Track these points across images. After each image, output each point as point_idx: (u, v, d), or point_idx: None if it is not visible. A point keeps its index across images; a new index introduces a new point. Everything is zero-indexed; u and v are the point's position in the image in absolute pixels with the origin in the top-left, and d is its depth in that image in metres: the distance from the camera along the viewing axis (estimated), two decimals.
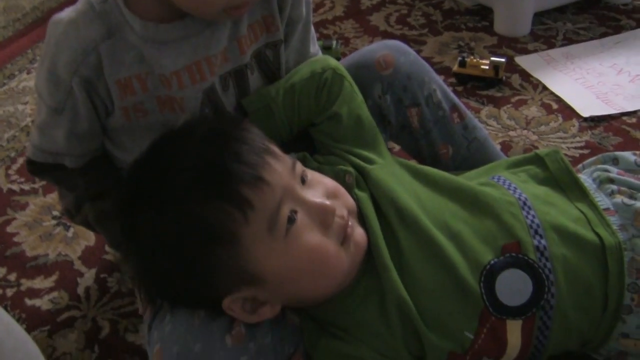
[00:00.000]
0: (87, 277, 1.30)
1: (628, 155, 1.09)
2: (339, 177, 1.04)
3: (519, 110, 1.64)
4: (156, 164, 0.95)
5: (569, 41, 1.89)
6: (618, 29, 1.92)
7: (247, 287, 0.93)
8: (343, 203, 0.99)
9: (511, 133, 1.57)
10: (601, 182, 1.06)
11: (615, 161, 1.10)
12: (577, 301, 0.97)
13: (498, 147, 1.45)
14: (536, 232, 0.99)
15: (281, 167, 0.94)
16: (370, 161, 1.07)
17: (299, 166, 0.98)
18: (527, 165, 1.11)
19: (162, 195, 0.92)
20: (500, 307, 0.96)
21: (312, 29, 1.21)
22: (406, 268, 0.97)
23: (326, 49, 1.80)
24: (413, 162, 1.13)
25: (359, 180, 1.05)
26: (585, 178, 1.08)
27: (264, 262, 0.92)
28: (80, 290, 1.28)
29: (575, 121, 1.60)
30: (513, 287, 0.96)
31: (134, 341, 1.18)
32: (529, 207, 1.01)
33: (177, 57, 1.03)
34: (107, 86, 1.03)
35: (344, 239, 0.96)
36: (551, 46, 1.88)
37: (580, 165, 1.15)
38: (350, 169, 1.05)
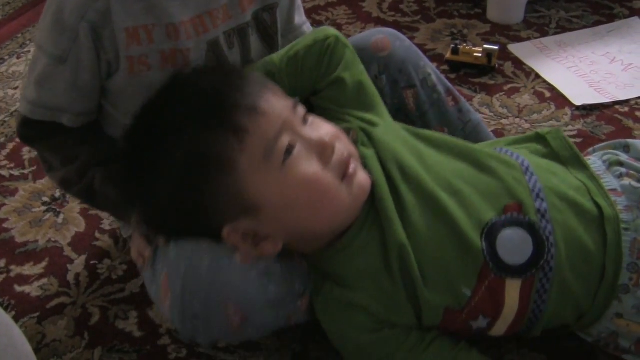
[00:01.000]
0: (77, 264, 1.30)
1: (639, 143, 1.11)
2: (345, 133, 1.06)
3: (511, 98, 1.64)
4: (159, 100, 0.99)
5: (562, 29, 1.89)
6: (611, 18, 1.92)
7: (246, 217, 0.95)
8: (344, 145, 1.00)
9: (504, 121, 1.56)
10: (610, 164, 1.07)
11: (626, 148, 1.11)
12: (575, 266, 0.98)
13: (491, 134, 1.45)
14: (538, 195, 1.00)
15: (281, 103, 0.98)
16: (373, 124, 1.09)
17: (301, 108, 1.00)
18: (528, 143, 1.13)
19: (161, 125, 0.96)
20: (501, 264, 0.97)
21: (299, 1, 1.24)
22: (408, 223, 0.99)
23: None
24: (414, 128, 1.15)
25: (364, 139, 1.06)
26: (594, 160, 1.10)
27: (261, 190, 0.94)
28: (70, 277, 1.27)
29: (567, 110, 1.59)
30: (514, 245, 0.97)
31: (124, 328, 1.17)
32: (532, 173, 1.03)
33: (183, 9, 1.06)
34: (113, 35, 1.04)
35: (345, 176, 0.97)
36: (544, 34, 1.87)
37: (590, 149, 1.17)
38: (355, 126, 1.08)
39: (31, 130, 1.13)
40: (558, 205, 1.00)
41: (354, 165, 0.98)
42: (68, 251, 1.32)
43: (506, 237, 0.98)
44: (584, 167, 1.07)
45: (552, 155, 1.10)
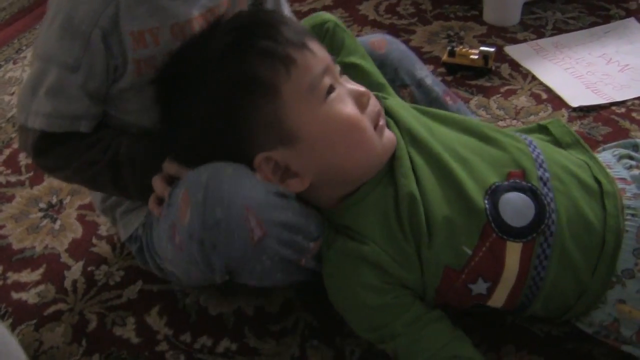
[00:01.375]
0: (74, 270, 1.29)
1: None
2: None
3: (508, 100, 1.64)
4: (203, 35, 1.04)
5: (558, 31, 1.89)
6: (607, 19, 1.92)
7: (283, 146, 0.99)
8: (376, 102, 1.06)
9: (500, 123, 1.56)
10: (621, 157, 1.10)
11: (635, 147, 1.14)
12: (575, 235, 1.00)
13: None
14: (541, 165, 1.04)
15: (325, 52, 1.04)
16: (385, 98, 1.14)
17: (337, 66, 1.06)
18: (531, 133, 1.16)
19: (209, 51, 1.00)
20: (503, 225, 0.99)
21: None
22: (417, 181, 1.02)
23: None
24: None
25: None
26: (605, 154, 1.13)
27: (302, 120, 0.98)
28: (67, 284, 1.27)
29: (564, 111, 1.59)
30: (516, 207, 1.00)
31: (121, 335, 1.17)
32: (535, 146, 1.07)
33: (189, 8, 1.07)
34: (120, 39, 1.04)
35: (377, 126, 1.03)
36: (540, 36, 1.87)
37: (600, 148, 1.20)
38: (381, 98, 1.12)
39: (45, 142, 1.11)
40: (560, 175, 1.03)
41: (384, 121, 1.05)
42: (65, 257, 1.32)
43: (509, 200, 1.01)
44: (585, 150, 1.10)
45: (555, 142, 1.14)
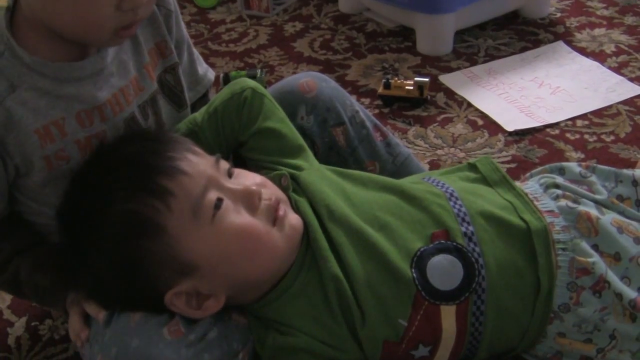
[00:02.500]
0: (18, 326, 1.27)
1: (574, 166, 1.14)
2: (275, 181, 1.07)
3: (445, 129, 1.66)
4: (84, 175, 1.00)
5: (490, 57, 1.93)
6: (537, 43, 1.97)
7: (185, 278, 0.96)
8: (271, 192, 1.02)
9: (439, 151, 1.58)
10: (547, 187, 1.10)
11: (561, 171, 1.14)
12: (508, 284, 1.00)
13: (427, 166, 1.47)
14: (463, 219, 1.03)
15: (202, 161, 0.99)
16: (299, 168, 1.11)
17: (224, 163, 1.02)
18: (459, 172, 1.16)
19: (89, 200, 0.97)
20: (433, 291, 0.99)
21: (195, 50, 1.25)
22: (340, 260, 1.00)
23: (251, 78, 1.79)
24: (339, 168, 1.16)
25: (294, 185, 1.08)
26: (531, 184, 1.12)
27: (195, 249, 0.95)
28: (11, 341, 1.24)
29: (500, 136, 1.62)
30: (444, 271, 0.99)
31: None
32: (456, 198, 1.06)
33: (97, 91, 1.04)
34: (20, 140, 1.00)
35: (275, 219, 0.99)
36: (474, 63, 1.91)
37: (528, 174, 1.20)
38: (285, 172, 1.09)
39: None
40: (484, 225, 1.03)
41: (284, 208, 1.01)
42: (7, 314, 1.29)
43: (436, 264, 1.00)
44: (511, 187, 1.10)
45: (482, 180, 1.13)
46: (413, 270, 0.99)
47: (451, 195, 1.06)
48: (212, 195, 0.96)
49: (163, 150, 0.98)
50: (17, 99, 0.99)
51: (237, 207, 0.97)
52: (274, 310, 1.01)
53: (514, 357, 1.09)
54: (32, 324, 1.27)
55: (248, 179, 1.02)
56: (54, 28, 0.98)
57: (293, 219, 1.01)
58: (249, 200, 0.98)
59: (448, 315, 0.99)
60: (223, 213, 0.96)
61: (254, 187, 0.99)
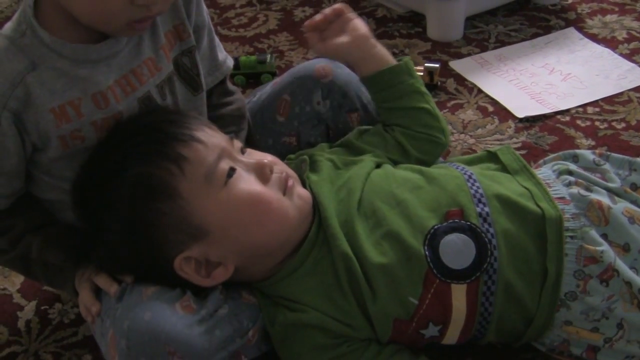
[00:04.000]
0: (27, 310, 1.27)
1: (588, 153, 1.14)
2: (297, 167, 1.12)
3: (455, 115, 1.65)
4: (103, 146, 1.04)
5: (501, 43, 1.92)
6: (548, 29, 1.95)
7: (196, 242, 0.98)
8: (282, 167, 1.06)
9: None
10: (560, 173, 1.10)
11: (575, 158, 1.14)
12: (518, 268, 1.01)
13: None
14: (479, 200, 1.04)
15: (217, 135, 1.04)
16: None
17: (237, 142, 1.06)
18: (480, 163, 1.17)
19: (107, 167, 1.00)
20: (445, 270, 0.99)
21: (215, 36, 1.25)
22: (354, 238, 1.02)
23: (261, 63, 1.80)
24: None
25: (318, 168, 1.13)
26: (545, 170, 1.13)
27: (206, 213, 0.98)
28: (21, 324, 1.25)
29: (511, 122, 1.61)
30: (456, 250, 1.00)
31: None
32: (474, 180, 1.07)
33: (109, 73, 1.05)
34: (36, 118, 1.02)
35: (285, 189, 1.03)
36: (484, 49, 1.90)
37: (541, 161, 1.21)
38: (305, 156, 1.14)
39: None
40: (499, 208, 1.03)
41: (292, 181, 1.05)
42: (17, 298, 1.30)
43: (449, 243, 1.01)
44: (531, 175, 1.10)
45: (502, 169, 1.14)
46: (426, 248, 1.00)
47: (469, 177, 1.07)
48: (225, 164, 1.00)
49: (181, 121, 1.03)
50: (37, 78, 1.01)
51: (249, 177, 1.01)
52: (285, 288, 1.03)
53: (522, 345, 1.09)
54: (42, 307, 1.28)
55: (261, 155, 1.06)
56: (72, 12, 0.99)
57: (302, 191, 1.06)
58: (261, 171, 1.02)
59: (459, 294, 1.00)
60: (235, 180, 1.00)
61: (266, 161, 1.04)
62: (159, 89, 1.12)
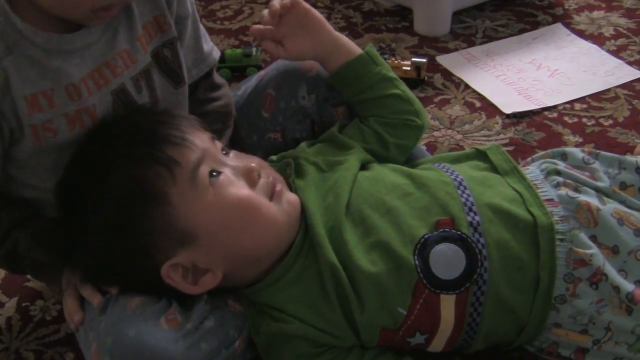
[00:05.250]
0: (8, 307, 1.25)
1: (577, 151, 1.13)
2: (282, 170, 1.10)
3: (442, 110, 1.64)
4: (88, 146, 1.01)
5: (488, 38, 1.91)
6: (535, 25, 1.95)
7: (183, 248, 0.97)
8: (269, 172, 1.05)
9: (436, 133, 1.57)
10: (548, 173, 1.09)
11: (564, 156, 1.13)
12: (509, 278, 0.99)
13: (424, 148, 1.46)
14: (470, 209, 1.02)
15: (200, 135, 1.02)
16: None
17: (219, 143, 1.05)
18: (469, 161, 1.16)
19: (94, 165, 0.98)
20: (434, 280, 0.98)
21: (201, 26, 1.22)
22: (342, 245, 1.00)
23: (246, 56, 1.78)
24: None
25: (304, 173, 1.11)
26: (533, 169, 1.11)
27: (194, 217, 0.96)
28: (2, 321, 1.23)
29: (498, 118, 1.61)
30: (447, 260, 0.99)
31: None
32: (465, 187, 1.05)
33: (81, 65, 1.03)
34: (13, 104, 1.00)
35: (273, 195, 1.01)
36: (471, 44, 1.89)
37: (529, 159, 1.19)
38: (290, 159, 1.12)
39: None
40: (491, 217, 1.02)
41: (280, 187, 1.03)
42: None
43: (439, 253, 0.99)
44: (521, 178, 1.08)
45: (491, 169, 1.12)
46: (416, 257, 0.98)
47: (460, 184, 1.05)
48: (207, 166, 0.98)
49: (170, 122, 1.01)
50: (12, 63, 0.99)
51: (236, 180, 1.00)
52: (269, 295, 1.01)
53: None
54: (23, 304, 1.26)
55: (246, 159, 1.04)
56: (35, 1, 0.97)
57: (290, 196, 1.04)
58: (248, 175, 1.01)
59: (447, 304, 0.98)
60: (222, 183, 0.98)
61: (252, 164, 1.02)
62: (134, 82, 1.09)
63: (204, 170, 0.97)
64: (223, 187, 0.98)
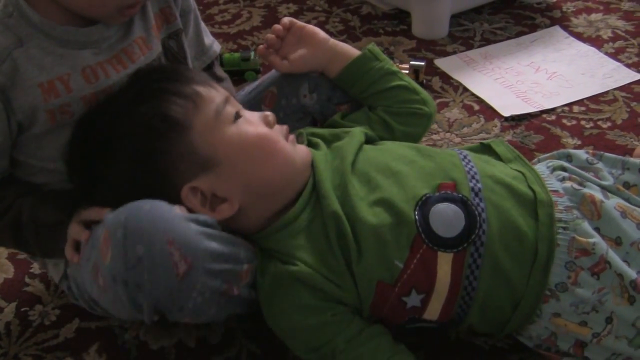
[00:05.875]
0: (7, 312, 1.25)
1: (581, 153, 1.14)
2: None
3: (441, 113, 1.64)
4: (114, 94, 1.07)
5: (486, 41, 1.91)
6: (533, 27, 1.95)
7: (204, 173, 1.01)
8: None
9: (434, 136, 1.57)
10: (554, 169, 1.10)
11: (569, 158, 1.14)
12: (507, 244, 1.01)
13: None
14: (473, 177, 1.05)
15: (222, 89, 1.09)
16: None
17: (235, 101, 1.11)
18: (474, 153, 1.17)
19: (120, 101, 1.03)
20: (433, 236, 1.00)
21: (202, 21, 1.27)
22: (347, 197, 1.03)
23: (244, 60, 1.78)
24: None
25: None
26: (539, 166, 1.13)
27: (217, 144, 1.02)
28: (0, 327, 1.23)
29: (497, 121, 1.61)
30: (446, 218, 1.01)
31: None
32: (469, 160, 1.09)
33: (99, 54, 1.07)
34: (23, 95, 1.02)
35: (287, 139, 1.08)
36: (469, 47, 1.89)
37: (535, 159, 1.20)
38: (302, 131, 1.18)
39: None
40: (492, 186, 1.04)
41: (293, 137, 1.10)
42: None
43: (439, 211, 1.01)
44: (524, 163, 1.11)
45: (496, 159, 1.15)
46: (416, 213, 1.01)
47: (464, 157, 1.10)
48: (231, 107, 1.06)
49: (196, 72, 1.11)
50: (24, 53, 1.02)
51: (256, 120, 1.07)
52: (277, 240, 1.04)
53: (508, 338, 1.09)
54: (22, 309, 1.25)
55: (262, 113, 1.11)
56: (62, 1, 1.01)
57: (301, 146, 1.11)
58: (265, 118, 1.08)
59: (444, 262, 1.00)
60: (243, 120, 1.06)
61: (268, 113, 1.09)
62: None
63: (230, 110, 1.05)
64: (245, 124, 1.05)
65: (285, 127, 1.10)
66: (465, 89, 1.72)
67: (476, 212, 1.01)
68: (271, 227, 1.05)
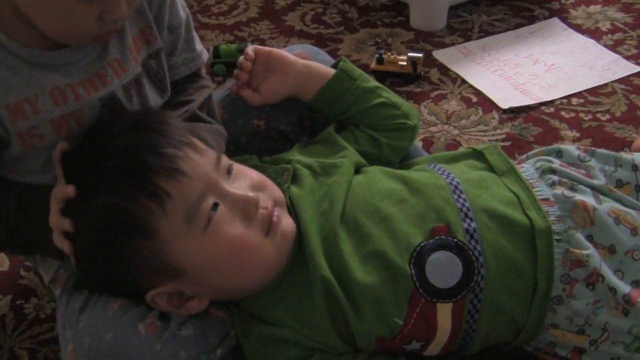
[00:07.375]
0: (2, 305, 1.24)
1: (572, 149, 1.12)
2: (278, 175, 1.06)
3: (439, 105, 1.63)
4: (80, 155, 0.97)
5: (485, 33, 1.90)
6: (532, 19, 1.94)
7: (170, 280, 0.94)
8: (269, 195, 0.99)
9: (432, 129, 1.56)
10: (543, 172, 1.07)
11: (559, 154, 1.12)
12: (507, 283, 0.98)
13: (420, 143, 1.45)
14: (466, 215, 1.00)
15: (203, 160, 0.95)
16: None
17: (225, 159, 0.98)
18: (466, 160, 1.14)
19: (83, 188, 0.93)
20: (431, 289, 0.96)
21: (193, 29, 1.22)
22: (337, 255, 0.98)
23: (241, 52, 1.76)
24: None
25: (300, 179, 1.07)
26: (527, 167, 1.10)
27: (184, 255, 0.92)
28: None
29: (495, 113, 1.60)
30: (443, 268, 0.97)
31: None
32: (460, 191, 1.03)
33: (70, 77, 1.01)
34: None
35: (269, 228, 0.96)
36: (468, 39, 1.88)
37: (524, 156, 1.18)
38: (289, 166, 1.08)
39: None
40: (487, 223, 1.00)
41: (277, 214, 0.97)
42: None
43: (435, 261, 0.97)
44: (519, 178, 1.07)
45: (488, 169, 1.11)
46: (412, 266, 0.97)
47: (456, 188, 1.03)
48: (209, 200, 0.93)
49: (164, 145, 0.93)
50: None
51: (232, 215, 0.94)
52: (259, 306, 1.00)
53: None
54: (17, 302, 1.25)
55: (247, 179, 0.99)
56: (38, 28, 0.95)
57: (285, 224, 0.98)
58: (246, 208, 0.95)
59: (444, 313, 0.97)
60: (217, 221, 0.92)
61: (251, 195, 0.96)
62: (125, 90, 1.07)
63: (206, 205, 0.92)
64: (218, 226, 0.92)
65: (269, 211, 0.96)
66: (464, 81, 1.71)
67: (473, 258, 0.97)
68: (252, 295, 1.00)
